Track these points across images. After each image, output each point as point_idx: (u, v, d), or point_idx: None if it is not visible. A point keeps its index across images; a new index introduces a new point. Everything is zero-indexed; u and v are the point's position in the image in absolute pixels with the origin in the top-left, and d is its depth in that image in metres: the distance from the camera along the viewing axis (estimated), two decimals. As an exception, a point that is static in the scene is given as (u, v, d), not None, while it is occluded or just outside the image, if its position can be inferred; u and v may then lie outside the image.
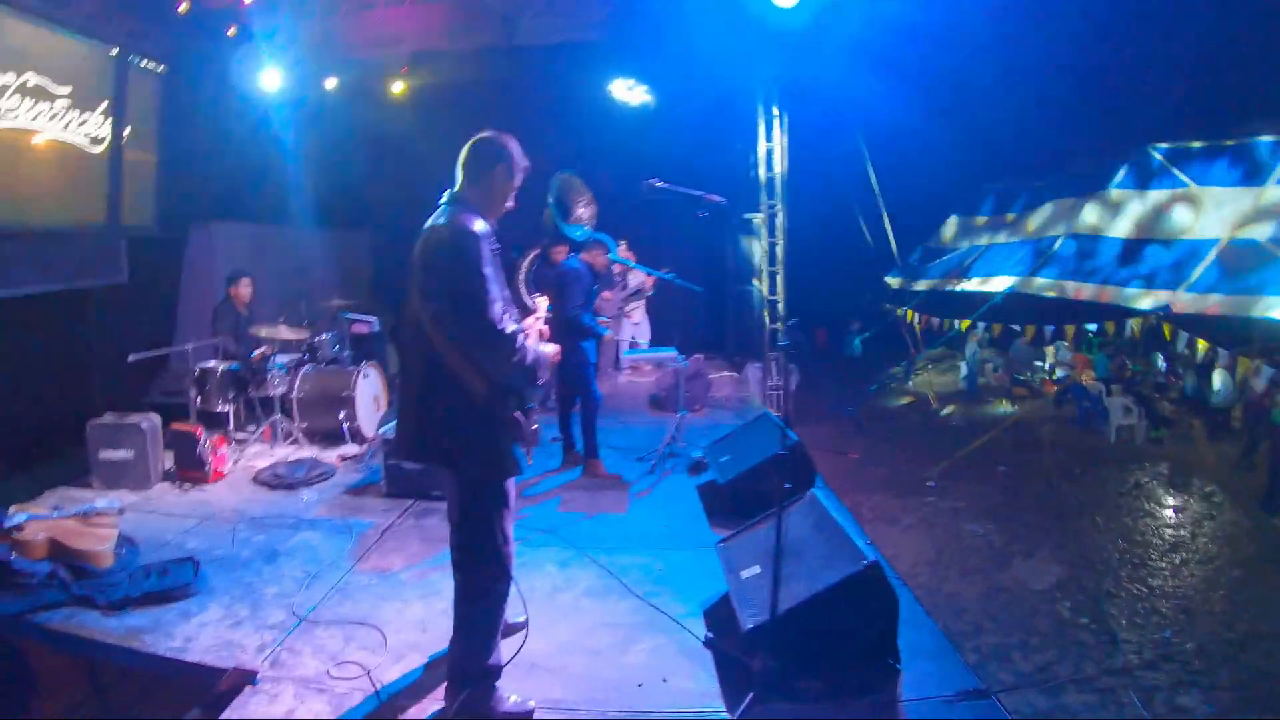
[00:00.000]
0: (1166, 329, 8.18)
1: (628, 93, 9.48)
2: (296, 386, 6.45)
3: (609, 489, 5.36)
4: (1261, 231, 7.45)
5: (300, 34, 7.33)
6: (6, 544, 3.70)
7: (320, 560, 4.15)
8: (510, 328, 2.61)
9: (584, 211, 5.16)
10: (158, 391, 6.75)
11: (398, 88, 8.82)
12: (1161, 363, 11.97)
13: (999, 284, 10.39)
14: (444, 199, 2.79)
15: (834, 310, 14.44)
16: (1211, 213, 8.02)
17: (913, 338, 13.56)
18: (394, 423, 5.40)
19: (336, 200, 9.06)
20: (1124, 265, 8.69)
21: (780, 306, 8.63)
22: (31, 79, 5.51)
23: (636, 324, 9.58)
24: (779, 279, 8.64)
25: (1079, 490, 8.39)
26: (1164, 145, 8.74)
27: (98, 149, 6.26)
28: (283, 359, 6.52)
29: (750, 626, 3.04)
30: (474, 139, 2.85)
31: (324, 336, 7.03)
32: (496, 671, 2.80)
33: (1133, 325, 8.53)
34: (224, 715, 2.82)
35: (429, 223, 2.74)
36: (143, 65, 6.68)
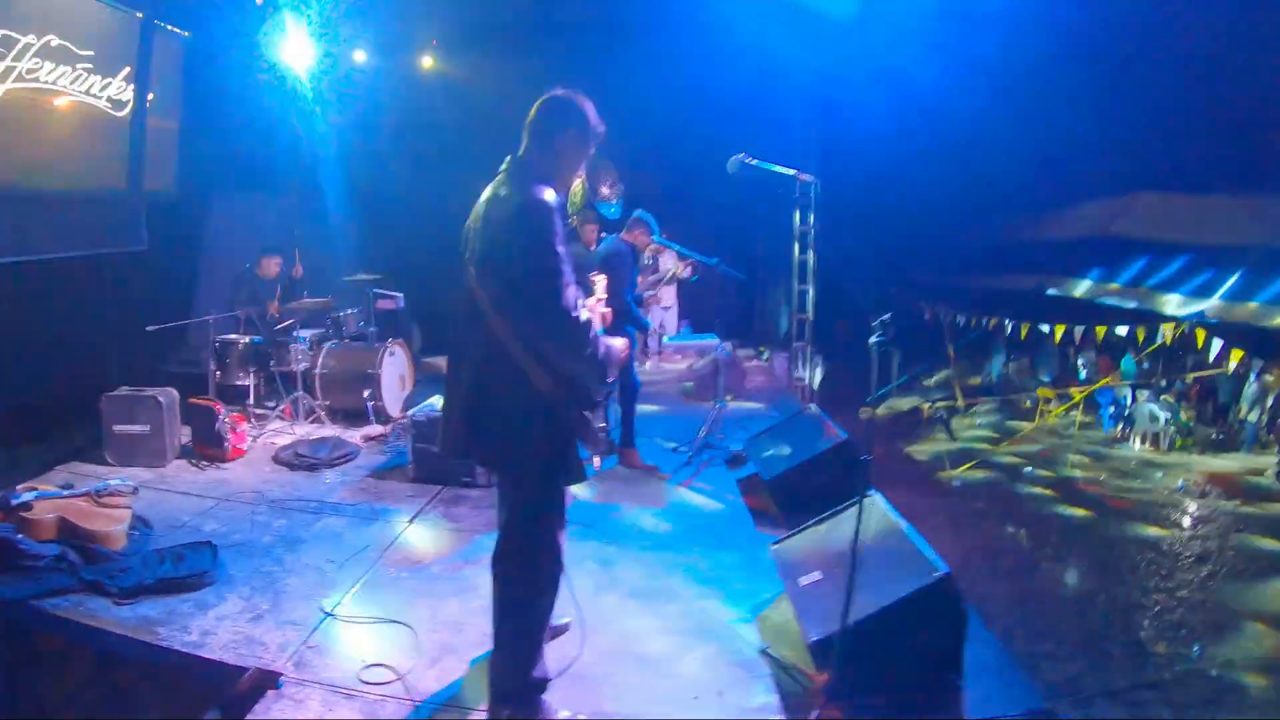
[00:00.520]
0: (1200, 335, 7.89)
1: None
2: (320, 362, 6.24)
3: (647, 480, 5.16)
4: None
5: (329, 4, 7.13)
6: (14, 523, 3.49)
7: (345, 549, 3.92)
8: (584, 315, 2.31)
9: (609, 191, 4.89)
10: (175, 362, 6.56)
11: (428, 61, 8.58)
12: (1192, 370, 11.68)
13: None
14: (504, 165, 2.47)
15: (858, 302, 14.09)
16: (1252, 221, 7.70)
17: (951, 336, 13.23)
18: (422, 405, 5.30)
19: (362, 174, 8.82)
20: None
21: (810, 294, 8.30)
22: (54, 40, 5.32)
23: (666, 308, 9.30)
24: (810, 267, 8.29)
25: (1104, 496, 8.16)
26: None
27: (120, 113, 6.07)
28: (306, 334, 6.29)
29: (816, 638, 2.85)
30: (544, 97, 2.49)
31: (350, 311, 6.80)
32: (542, 685, 2.54)
33: (1165, 331, 8.23)
34: (246, 719, 2.58)
35: (489, 191, 2.43)
36: (168, 30, 6.49)
